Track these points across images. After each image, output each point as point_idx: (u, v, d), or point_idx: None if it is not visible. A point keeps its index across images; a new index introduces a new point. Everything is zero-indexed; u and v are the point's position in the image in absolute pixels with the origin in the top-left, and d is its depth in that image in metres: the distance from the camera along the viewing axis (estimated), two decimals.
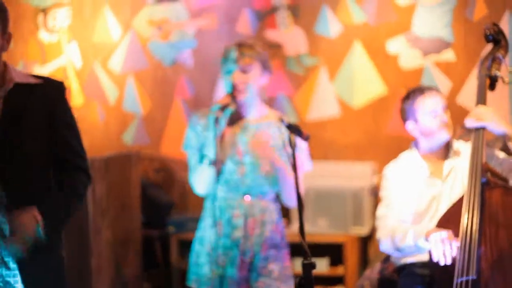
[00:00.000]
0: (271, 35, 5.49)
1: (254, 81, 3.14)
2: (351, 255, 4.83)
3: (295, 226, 4.76)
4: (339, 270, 4.92)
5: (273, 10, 5.49)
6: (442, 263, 2.87)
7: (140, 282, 4.77)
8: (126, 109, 5.76)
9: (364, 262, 5.04)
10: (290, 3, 5.45)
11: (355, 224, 4.89)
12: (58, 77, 5.84)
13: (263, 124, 3.21)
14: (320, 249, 4.81)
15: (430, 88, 3.38)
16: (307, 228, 4.76)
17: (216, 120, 3.06)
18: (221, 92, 5.30)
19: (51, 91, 2.58)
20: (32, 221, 2.38)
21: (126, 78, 5.75)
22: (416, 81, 5.11)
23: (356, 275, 4.79)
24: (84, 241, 4.08)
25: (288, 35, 5.46)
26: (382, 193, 3.39)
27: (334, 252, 4.90)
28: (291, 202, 3.23)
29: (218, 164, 3.10)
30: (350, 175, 4.96)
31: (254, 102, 3.21)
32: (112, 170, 4.32)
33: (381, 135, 5.28)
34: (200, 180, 3.16)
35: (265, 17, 5.51)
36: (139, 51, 5.73)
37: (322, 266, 4.84)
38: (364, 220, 4.88)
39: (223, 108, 3.08)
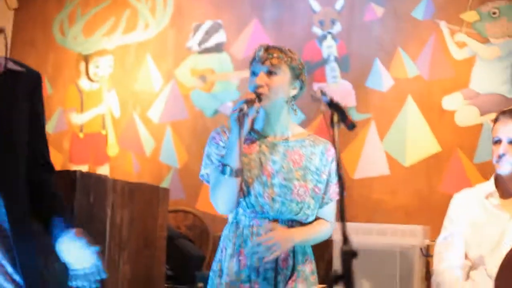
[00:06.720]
0: (319, 88, 5.23)
1: (281, 87, 2.71)
2: None
3: None
4: None
5: (322, 62, 5.27)
6: None
7: None
8: (162, 161, 5.50)
9: None
10: (340, 56, 5.22)
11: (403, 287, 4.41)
12: (96, 126, 5.69)
13: (293, 142, 2.78)
14: None
15: None
16: None
17: (240, 118, 2.58)
18: None
19: (33, 80, 2.48)
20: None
21: (164, 129, 5.53)
22: (473, 139, 4.81)
23: None
24: None
25: (337, 88, 5.19)
26: (445, 222, 3.19)
27: None
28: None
29: (241, 174, 2.64)
30: (399, 235, 4.52)
31: (282, 115, 2.77)
32: (137, 198, 3.93)
33: (434, 197, 4.84)
34: (222, 195, 2.67)
35: (314, 69, 5.27)
36: (180, 101, 5.56)
37: None
38: (413, 283, 4.39)
39: (248, 102, 2.59)
